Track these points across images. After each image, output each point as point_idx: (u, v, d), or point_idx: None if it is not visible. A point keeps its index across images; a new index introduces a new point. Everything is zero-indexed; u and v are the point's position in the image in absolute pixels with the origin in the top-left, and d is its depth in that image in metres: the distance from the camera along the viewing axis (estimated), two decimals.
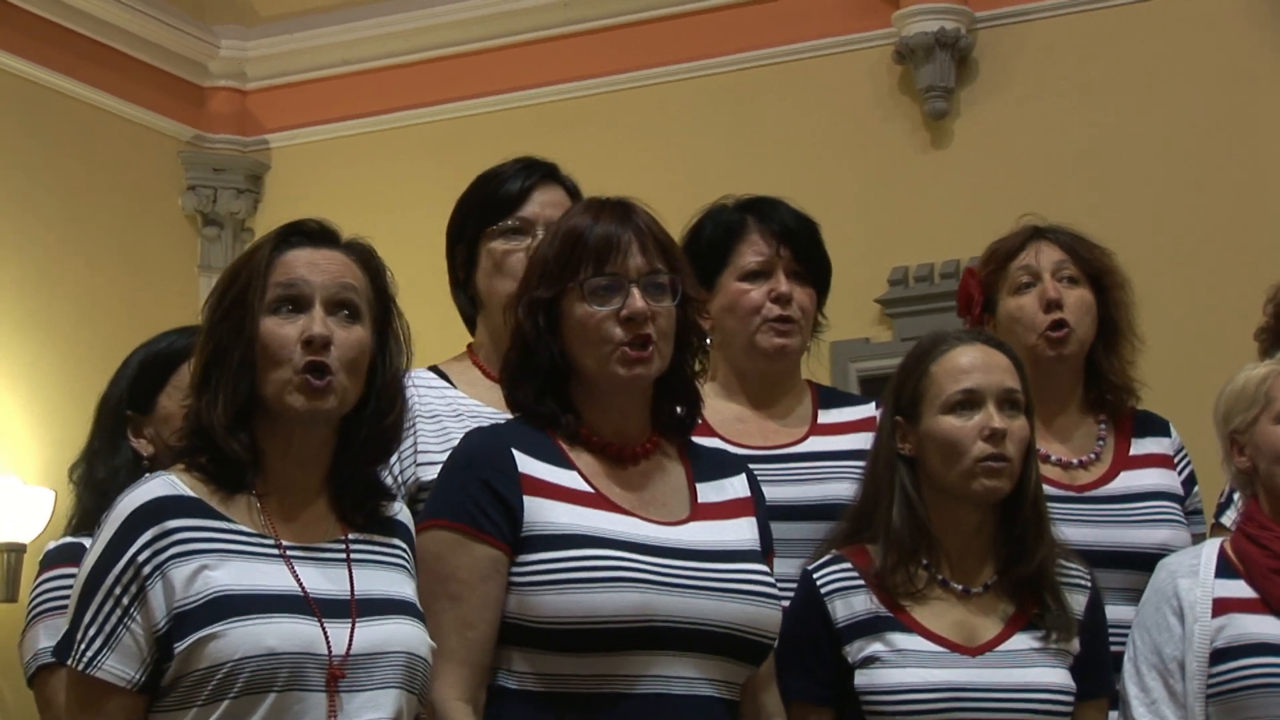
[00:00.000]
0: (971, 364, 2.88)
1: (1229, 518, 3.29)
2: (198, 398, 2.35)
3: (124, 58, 7.19)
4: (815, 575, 2.87)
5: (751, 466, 3.06)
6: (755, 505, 2.75)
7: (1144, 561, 3.15)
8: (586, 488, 2.59)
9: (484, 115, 7.06)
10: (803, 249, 3.22)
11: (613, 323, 2.59)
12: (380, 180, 7.01)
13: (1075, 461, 3.32)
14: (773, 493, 3.07)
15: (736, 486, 2.75)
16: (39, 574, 3.16)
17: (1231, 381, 3.16)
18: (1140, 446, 3.39)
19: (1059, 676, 2.83)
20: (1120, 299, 3.39)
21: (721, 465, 2.77)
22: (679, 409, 2.73)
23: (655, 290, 2.62)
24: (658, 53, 6.84)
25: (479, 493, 2.55)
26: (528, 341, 2.64)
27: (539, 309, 2.62)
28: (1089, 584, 2.94)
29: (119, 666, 2.25)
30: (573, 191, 3.16)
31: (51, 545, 3.19)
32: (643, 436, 2.68)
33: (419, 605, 2.45)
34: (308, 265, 2.40)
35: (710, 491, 2.70)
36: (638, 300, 2.59)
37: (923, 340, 3.00)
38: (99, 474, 3.12)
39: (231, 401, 2.33)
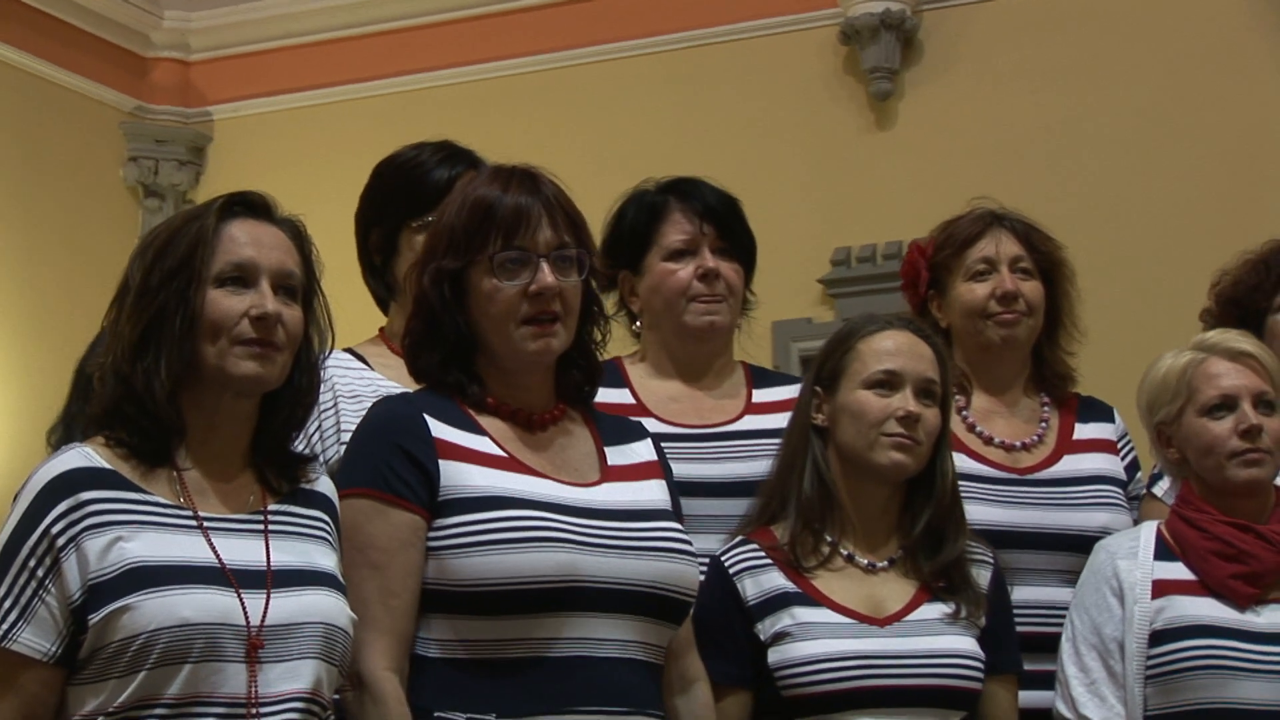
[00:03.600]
0: (897, 348, 2.94)
1: (1161, 488, 3.30)
2: (134, 362, 2.32)
3: (66, 26, 7.11)
4: (723, 557, 2.90)
5: (688, 445, 3.05)
6: (663, 469, 2.76)
7: (1084, 544, 3.16)
8: (499, 452, 2.58)
9: (427, 90, 7.02)
10: (726, 226, 3.23)
11: (520, 297, 2.58)
12: (323, 153, 6.96)
13: (1018, 444, 3.35)
14: (709, 470, 3.09)
15: (642, 451, 2.75)
16: None
17: (1152, 370, 3.17)
18: (1084, 431, 3.42)
19: (968, 644, 2.86)
20: (1067, 291, 3.46)
21: (627, 430, 2.78)
22: (580, 377, 2.72)
23: (563, 264, 2.61)
24: (603, 30, 6.81)
25: (394, 459, 2.53)
26: (433, 311, 2.62)
27: (445, 279, 2.61)
28: (991, 560, 2.98)
29: (34, 639, 2.23)
30: None
31: None
32: (549, 405, 2.68)
33: (340, 577, 2.43)
34: (254, 242, 2.39)
35: (618, 455, 2.70)
36: (547, 276, 2.58)
37: (854, 319, 3.06)
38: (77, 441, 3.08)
39: (174, 368, 2.32)
